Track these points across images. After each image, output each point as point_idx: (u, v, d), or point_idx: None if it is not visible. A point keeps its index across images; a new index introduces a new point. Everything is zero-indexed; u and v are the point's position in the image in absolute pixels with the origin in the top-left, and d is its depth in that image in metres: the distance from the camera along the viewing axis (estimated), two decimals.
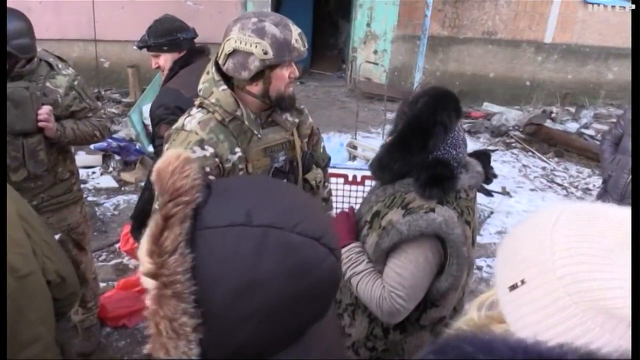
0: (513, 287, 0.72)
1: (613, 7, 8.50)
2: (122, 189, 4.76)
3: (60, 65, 2.51)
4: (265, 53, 1.62)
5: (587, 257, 0.65)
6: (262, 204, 0.75)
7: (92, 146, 5.19)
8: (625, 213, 0.70)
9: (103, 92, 7.40)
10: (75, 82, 2.51)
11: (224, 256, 0.70)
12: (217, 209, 0.74)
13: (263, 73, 1.68)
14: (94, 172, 4.96)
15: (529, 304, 0.70)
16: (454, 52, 8.60)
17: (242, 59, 1.65)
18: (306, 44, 1.72)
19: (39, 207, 2.57)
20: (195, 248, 0.71)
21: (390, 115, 7.37)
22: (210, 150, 1.69)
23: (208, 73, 1.77)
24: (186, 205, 0.71)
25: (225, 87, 1.71)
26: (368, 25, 8.29)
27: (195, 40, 2.75)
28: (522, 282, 0.71)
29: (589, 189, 5.69)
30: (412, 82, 7.50)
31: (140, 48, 2.64)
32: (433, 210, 1.53)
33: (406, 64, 8.44)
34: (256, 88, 1.72)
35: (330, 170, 3.14)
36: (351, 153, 5.52)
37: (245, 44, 1.63)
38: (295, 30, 1.68)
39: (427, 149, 1.57)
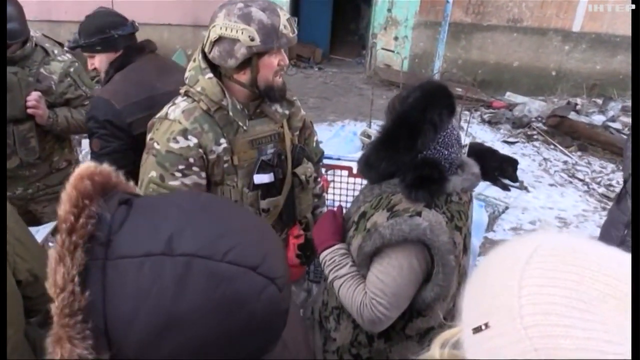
0: (477, 330, 0.62)
1: None
2: None
3: (56, 51, 2.46)
4: (252, 39, 1.54)
5: (559, 307, 0.54)
6: (187, 228, 0.65)
7: None
8: (614, 256, 0.59)
9: None
10: (71, 69, 2.46)
11: (138, 291, 0.61)
12: (133, 234, 0.64)
13: (250, 61, 1.60)
14: None
15: (493, 351, 0.60)
16: (477, 40, 8.36)
17: (228, 46, 1.57)
18: (295, 29, 1.63)
19: (34, 196, 2.55)
20: (106, 281, 0.62)
21: None
22: (193, 141, 1.62)
23: (195, 60, 1.69)
24: (76, 230, 0.62)
25: (211, 75, 1.63)
26: (389, 10, 8.10)
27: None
28: (487, 325, 0.61)
29: (612, 185, 5.47)
30: (432, 69, 7.31)
31: (71, 49, 2.32)
32: (419, 214, 1.43)
33: (427, 51, 8.24)
34: (244, 77, 1.64)
35: (334, 162, 3.06)
36: (364, 142, 5.39)
37: (231, 31, 1.54)
38: (284, 16, 1.59)
39: (416, 148, 1.48)
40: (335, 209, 1.76)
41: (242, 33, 1.53)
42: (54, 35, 2.65)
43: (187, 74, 1.70)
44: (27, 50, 2.31)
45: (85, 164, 0.67)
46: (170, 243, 0.62)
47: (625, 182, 3.21)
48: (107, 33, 2.16)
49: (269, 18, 1.55)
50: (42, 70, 2.37)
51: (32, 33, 2.38)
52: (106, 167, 0.70)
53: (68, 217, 0.62)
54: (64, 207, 0.62)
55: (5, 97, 2.18)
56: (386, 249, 1.45)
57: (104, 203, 0.66)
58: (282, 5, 7.77)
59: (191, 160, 1.62)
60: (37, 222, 2.58)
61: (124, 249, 0.63)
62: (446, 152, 1.50)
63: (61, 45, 2.54)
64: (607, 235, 2.90)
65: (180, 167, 1.62)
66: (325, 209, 2.18)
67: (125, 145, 2.01)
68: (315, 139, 2.10)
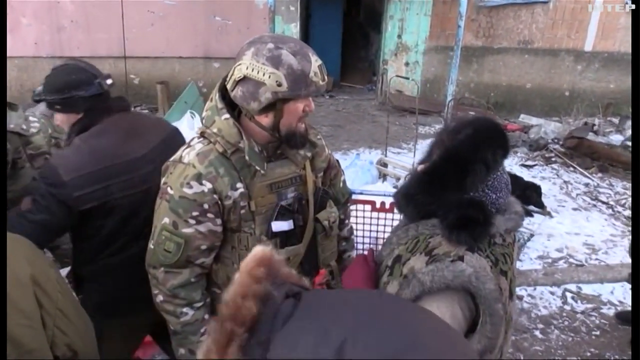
0: None
1: None
2: None
3: (24, 126, 2.29)
4: (279, 85, 1.44)
5: None
6: (364, 334, 0.51)
7: None
8: None
9: (133, 109, 7.41)
10: (50, 131, 2.38)
11: None
12: (297, 335, 0.52)
13: (274, 105, 1.51)
14: None
15: None
16: (489, 63, 8.32)
17: (252, 88, 1.48)
18: (326, 76, 1.54)
19: None
20: None
21: (422, 130, 7.16)
22: (208, 186, 1.53)
23: (212, 100, 1.60)
24: (238, 317, 0.52)
25: (227, 116, 1.54)
26: (399, 36, 8.10)
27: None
28: None
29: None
30: (445, 94, 7.26)
31: (35, 102, 2.06)
32: (461, 258, 1.31)
33: (439, 75, 8.20)
34: (266, 120, 1.55)
35: (356, 197, 2.96)
36: (381, 171, 5.31)
37: (258, 72, 1.45)
38: (315, 62, 1.49)
39: (464, 187, 1.37)
40: (365, 252, 1.65)
41: (269, 77, 1.44)
42: None
43: (203, 114, 1.62)
44: (9, 165, 2.22)
45: (261, 249, 0.59)
46: (341, 352, 0.49)
47: None
48: (66, 93, 1.91)
49: (299, 63, 1.46)
50: (30, 151, 2.28)
51: None
52: (279, 255, 0.60)
53: (236, 300, 0.53)
54: (233, 290, 0.54)
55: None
56: (426, 297, 1.33)
57: (273, 292, 0.56)
58: (292, 34, 7.83)
59: (206, 206, 1.53)
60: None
61: (285, 352, 0.52)
62: (494, 196, 1.40)
63: (15, 109, 2.33)
64: None
65: (194, 213, 1.53)
66: (354, 254, 2.06)
67: (54, 223, 1.80)
68: (342, 178, 1.98)
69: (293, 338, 0.52)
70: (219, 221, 1.58)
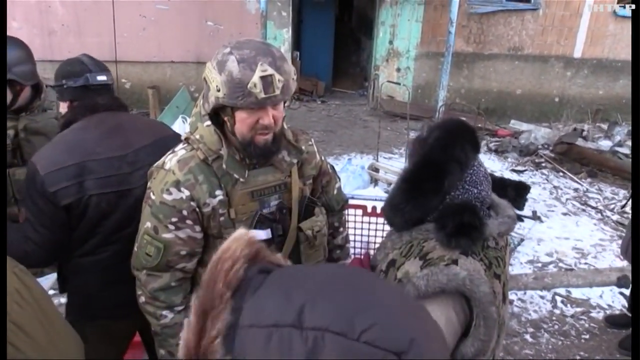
0: None
1: None
2: None
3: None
4: (218, 91, 1.42)
5: None
6: (321, 299, 0.56)
7: None
8: None
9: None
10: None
11: None
12: (263, 302, 0.58)
13: (225, 110, 1.49)
14: None
15: None
16: (479, 69, 8.38)
17: (206, 90, 1.50)
18: (275, 89, 1.41)
19: None
20: (234, 350, 0.57)
21: (414, 135, 7.17)
22: (186, 193, 1.52)
23: (197, 106, 1.59)
24: (221, 295, 0.59)
25: (209, 122, 1.53)
26: (390, 42, 8.14)
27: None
28: None
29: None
30: (436, 99, 7.30)
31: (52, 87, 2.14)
32: (456, 262, 1.32)
33: (430, 81, 8.25)
34: (228, 124, 1.53)
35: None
36: (373, 176, 5.32)
37: (209, 75, 1.46)
38: (261, 73, 1.39)
39: (443, 189, 1.39)
40: (361, 255, 1.65)
41: (212, 81, 1.44)
42: None
43: (190, 120, 1.62)
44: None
45: (243, 232, 0.66)
46: (301, 314, 0.55)
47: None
48: (59, 81, 1.97)
49: (240, 72, 1.39)
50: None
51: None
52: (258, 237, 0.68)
53: (227, 262, 0.61)
54: (227, 252, 0.62)
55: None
56: (420, 302, 1.33)
57: (249, 268, 0.63)
58: (284, 39, 7.86)
59: (184, 212, 1.53)
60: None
61: (253, 317, 0.57)
62: (475, 191, 1.41)
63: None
64: None
65: (174, 219, 1.53)
66: (348, 261, 2.03)
67: (50, 219, 1.76)
68: (337, 185, 1.93)
69: (260, 303, 0.58)
70: (198, 228, 1.57)
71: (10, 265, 1.19)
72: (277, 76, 1.42)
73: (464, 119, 1.54)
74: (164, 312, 1.61)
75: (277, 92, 1.42)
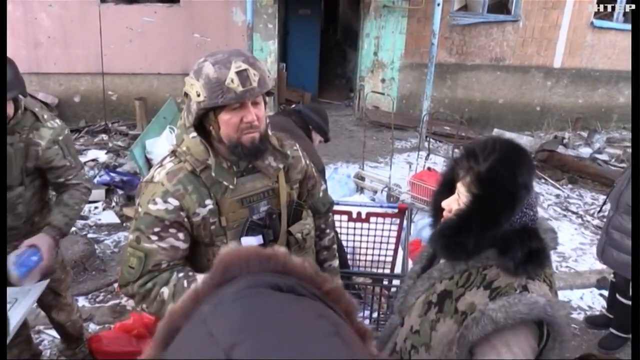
0: None
1: (622, 30, 8.42)
2: (124, 224, 4.67)
3: (45, 116, 2.39)
4: (199, 95, 1.47)
5: None
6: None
7: (95, 180, 5.15)
8: None
9: (110, 125, 7.41)
10: (60, 137, 2.39)
11: None
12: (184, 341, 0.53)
13: (208, 116, 1.53)
14: (96, 207, 4.88)
15: None
16: (462, 79, 8.54)
17: (188, 102, 1.54)
18: (252, 82, 1.47)
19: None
20: None
21: (399, 144, 7.29)
22: (174, 203, 1.55)
23: (181, 118, 1.64)
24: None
25: (194, 134, 1.57)
26: (375, 54, 8.28)
27: None
28: None
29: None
30: (421, 109, 7.43)
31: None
32: (526, 288, 1.28)
33: (414, 91, 8.39)
34: (214, 132, 1.57)
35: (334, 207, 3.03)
36: (358, 184, 5.40)
37: (188, 87, 1.51)
38: (236, 68, 1.45)
39: (513, 216, 1.33)
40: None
41: (192, 89, 1.49)
42: (43, 87, 2.62)
43: (176, 132, 1.67)
44: (19, 117, 2.26)
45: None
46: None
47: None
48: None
49: (216, 72, 1.45)
50: (31, 135, 2.30)
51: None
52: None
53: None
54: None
55: (5, 98, 2.14)
56: (498, 334, 1.26)
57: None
58: (271, 51, 7.95)
59: (167, 222, 1.55)
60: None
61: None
62: (531, 213, 1.37)
63: (50, 108, 2.51)
64: None
65: (156, 229, 1.55)
66: (335, 263, 2.06)
67: None
68: (322, 188, 1.97)
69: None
70: (182, 236, 1.59)
71: None
72: (252, 70, 1.48)
73: (511, 138, 1.47)
74: (161, 290, 1.57)
75: (255, 84, 1.48)
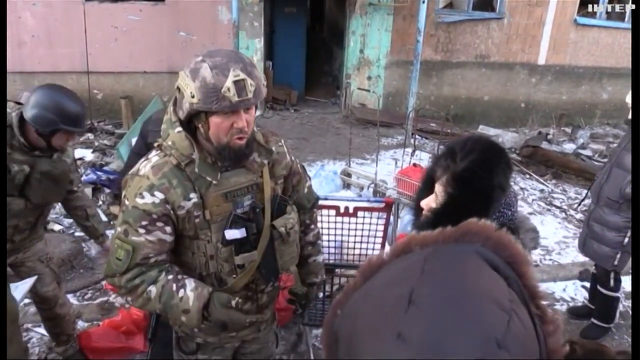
0: None
1: (604, 27, 8.55)
2: (112, 222, 4.65)
3: None
4: (193, 97, 1.49)
5: None
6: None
7: (82, 179, 5.12)
8: None
9: (96, 124, 7.37)
10: (74, 154, 2.60)
11: None
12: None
13: (200, 116, 1.55)
14: None
15: None
16: (448, 76, 8.61)
17: (180, 97, 1.56)
18: (247, 93, 1.49)
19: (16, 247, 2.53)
20: None
21: (385, 141, 7.33)
22: (160, 197, 1.57)
23: (167, 113, 1.65)
24: None
25: (180, 129, 1.59)
26: (361, 51, 8.32)
27: None
28: None
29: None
30: (406, 106, 7.48)
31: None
32: None
33: (400, 89, 8.44)
34: (202, 130, 1.60)
35: (321, 202, 3.05)
36: (345, 181, 5.44)
37: (182, 83, 1.53)
38: (234, 77, 1.47)
39: (488, 216, 1.34)
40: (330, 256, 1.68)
41: (186, 88, 1.51)
42: (27, 87, 2.64)
43: (162, 126, 1.67)
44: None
45: None
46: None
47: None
48: None
49: (213, 77, 1.46)
50: (63, 156, 2.46)
51: None
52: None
53: None
54: None
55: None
56: None
57: None
58: (257, 49, 7.95)
59: (154, 216, 1.57)
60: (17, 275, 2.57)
61: None
62: (509, 213, 1.40)
63: None
64: None
65: (144, 222, 1.57)
66: (320, 258, 2.09)
67: None
68: (307, 184, 1.98)
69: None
70: (169, 229, 1.61)
71: None
72: (249, 80, 1.49)
73: (491, 138, 1.46)
74: (148, 288, 1.60)
75: (250, 95, 1.50)
